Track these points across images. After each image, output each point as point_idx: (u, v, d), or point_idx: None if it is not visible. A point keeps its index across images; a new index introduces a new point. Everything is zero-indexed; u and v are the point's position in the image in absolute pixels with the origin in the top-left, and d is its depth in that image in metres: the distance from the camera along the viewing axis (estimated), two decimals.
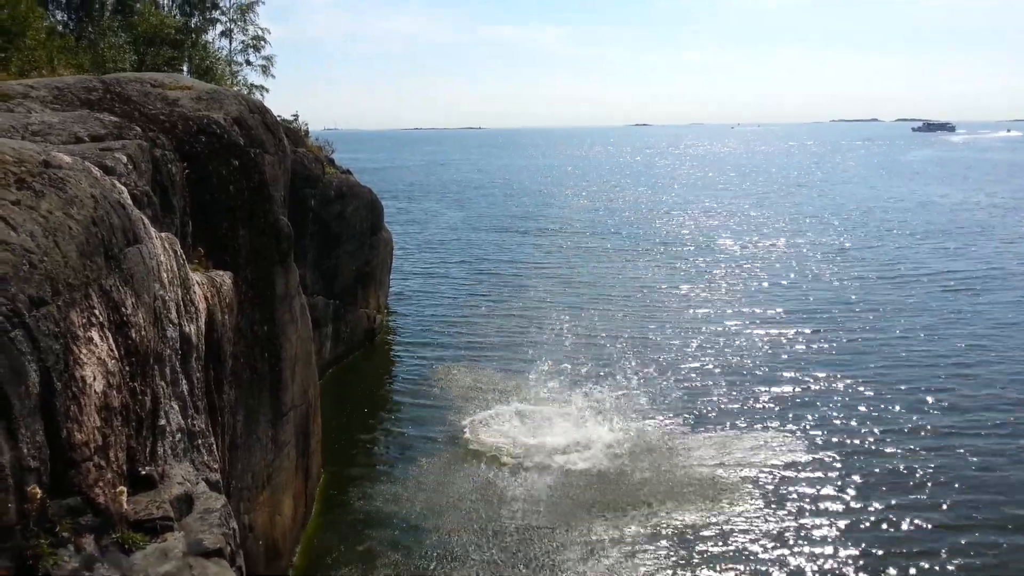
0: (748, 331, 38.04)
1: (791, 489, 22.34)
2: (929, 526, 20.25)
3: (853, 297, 44.02)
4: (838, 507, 21.36)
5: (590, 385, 30.57)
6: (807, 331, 37.48)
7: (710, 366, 32.78)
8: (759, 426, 26.76)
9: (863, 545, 19.42)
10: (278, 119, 21.20)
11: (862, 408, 27.89)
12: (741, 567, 18.62)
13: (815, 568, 18.55)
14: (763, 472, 23.35)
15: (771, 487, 22.45)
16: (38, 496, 5.67)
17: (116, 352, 7.34)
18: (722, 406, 28.48)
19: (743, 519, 20.61)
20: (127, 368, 7.57)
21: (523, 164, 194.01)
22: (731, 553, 19.17)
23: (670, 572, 18.45)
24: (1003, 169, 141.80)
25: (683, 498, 21.71)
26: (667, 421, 27.10)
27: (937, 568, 18.43)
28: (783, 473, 23.32)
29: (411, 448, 25.66)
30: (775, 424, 26.87)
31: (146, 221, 9.38)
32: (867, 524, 20.47)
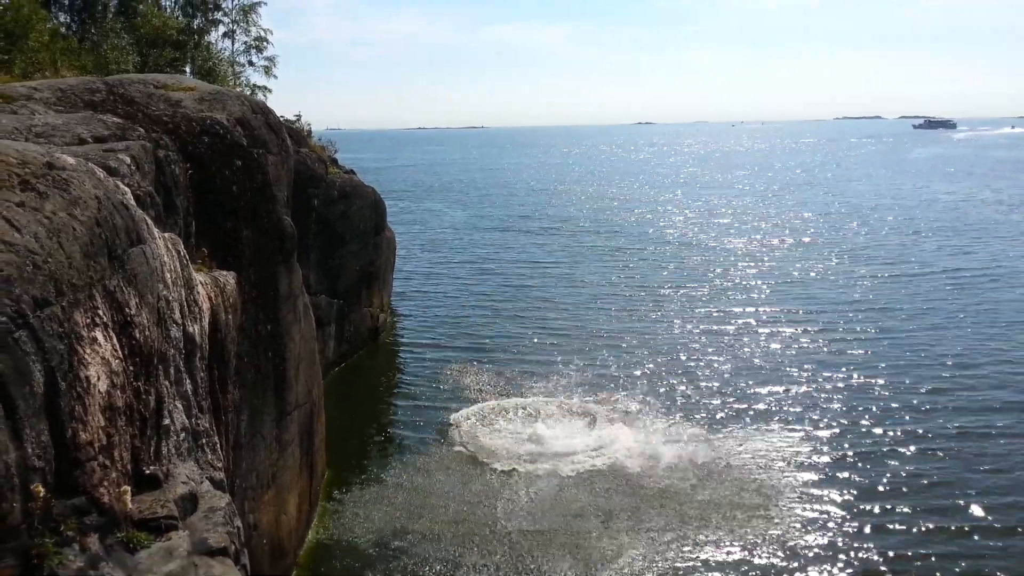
0: (753, 330, 38.00)
1: (792, 491, 22.36)
2: (954, 527, 20.30)
3: (860, 296, 43.91)
4: (845, 504, 21.35)
5: (594, 384, 30.61)
6: (814, 330, 37.38)
7: (715, 366, 32.70)
8: (761, 425, 26.72)
9: (880, 548, 19.42)
10: (281, 119, 21.24)
11: (869, 408, 27.80)
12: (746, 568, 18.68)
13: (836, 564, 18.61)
14: (764, 472, 23.35)
15: (770, 487, 22.45)
16: (43, 495, 5.71)
17: (120, 352, 7.37)
18: (726, 406, 28.40)
19: (749, 535, 20.51)
20: (131, 368, 7.61)
21: (526, 163, 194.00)
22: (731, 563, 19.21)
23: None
24: (1008, 166, 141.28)
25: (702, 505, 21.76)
26: (674, 421, 27.07)
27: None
28: (783, 473, 23.32)
29: (415, 447, 25.69)
30: (776, 422, 26.83)
31: (149, 222, 9.42)
32: (879, 528, 20.40)
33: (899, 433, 25.65)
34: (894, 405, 27.82)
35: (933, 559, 18.72)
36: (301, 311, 19.68)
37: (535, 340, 36.86)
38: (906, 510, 20.97)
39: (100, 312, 7.13)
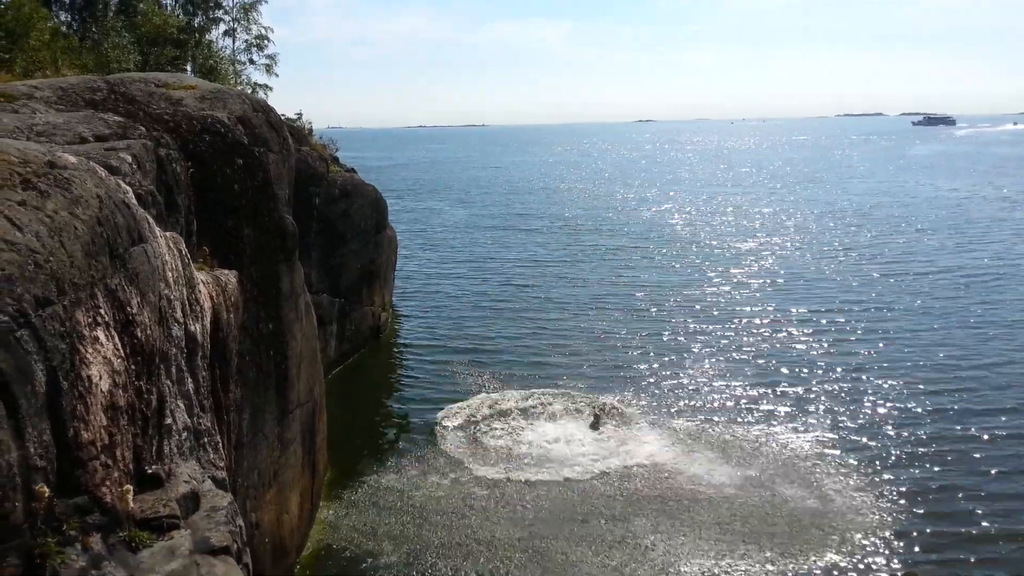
0: (755, 329, 37.97)
1: (798, 491, 22.35)
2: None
3: (863, 294, 43.84)
4: (849, 506, 21.35)
5: (596, 384, 30.61)
6: (815, 329, 37.34)
7: (717, 366, 32.66)
8: (764, 425, 26.75)
9: (895, 554, 19.45)
10: (282, 118, 21.22)
11: (872, 408, 27.82)
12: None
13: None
14: (769, 471, 23.35)
15: (775, 487, 22.46)
16: (45, 495, 5.70)
17: (122, 351, 7.37)
18: (728, 406, 28.41)
19: (758, 540, 20.47)
20: (133, 367, 7.60)
21: (527, 161, 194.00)
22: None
23: None
24: (1011, 162, 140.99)
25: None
26: (676, 421, 27.05)
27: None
28: (787, 472, 23.33)
29: (416, 446, 25.69)
30: (779, 421, 26.87)
31: (151, 220, 9.41)
32: (895, 533, 20.38)
33: (904, 434, 25.57)
34: (898, 406, 27.72)
35: (944, 564, 18.70)
36: (303, 310, 19.67)
37: (536, 339, 36.85)
38: (919, 515, 20.76)
39: (102, 311, 7.12)
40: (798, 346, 34.87)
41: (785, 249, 58.91)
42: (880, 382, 29.92)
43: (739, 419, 27.03)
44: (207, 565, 7.00)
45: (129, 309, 7.70)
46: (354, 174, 37.63)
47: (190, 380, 9.61)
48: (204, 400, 10.17)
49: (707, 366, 32.50)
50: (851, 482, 22.51)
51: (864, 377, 30.58)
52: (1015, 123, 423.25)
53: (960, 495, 21.67)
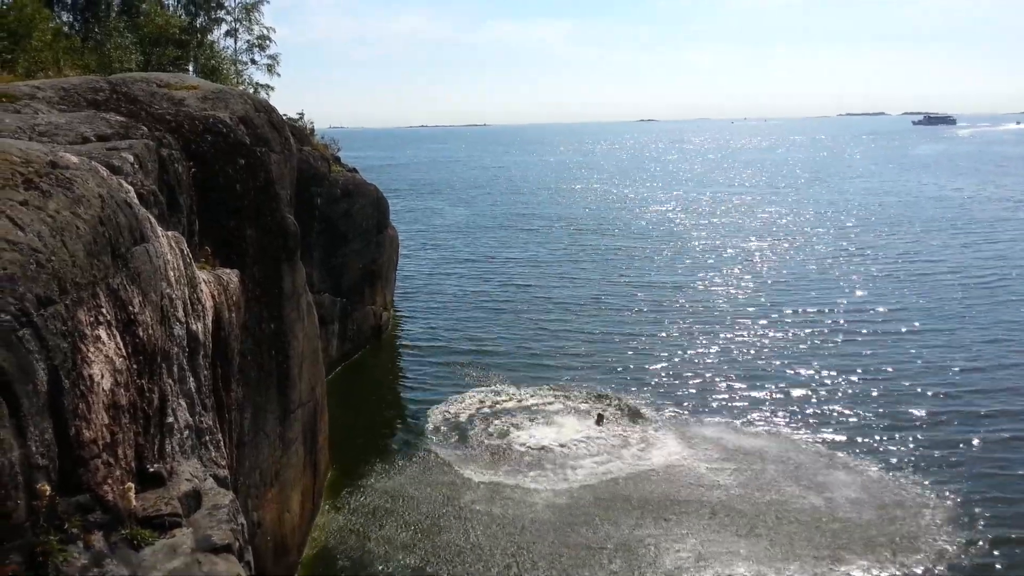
0: (758, 329, 37.93)
1: (804, 490, 22.36)
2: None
3: (868, 293, 43.82)
4: (853, 504, 21.38)
5: (598, 382, 30.62)
6: (818, 329, 37.30)
7: (719, 365, 32.65)
8: (764, 423, 26.79)
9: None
10: (283, 118, 21.24)
11: (876, 408, 27.81)
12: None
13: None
14: (774, 471, 23.37)
15: (781, 487, 22.47)
16: (47, 493, 5.72)
17: (124, 350, 7.39)
18: (732, 405, 28.41)
19: (768, 543, 20.51)
20: (135, 366, 7.63)
21: (528, 161, 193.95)
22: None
23: None
24: (1014, 162, 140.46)
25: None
26: (678, 420, 27.09)
27: None
28: (794, 470, 23.34)
29: (418, 445, 25.71)
30: (782, 419, 26.89)
31: (153, 220, 9.43)
32: (909, 535, 20.46)
33: (909, 436, 25.55)
34: (901, 406, 27.68)
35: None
36: (304, 309, 19.71)
37: (537, 339, 36.87)
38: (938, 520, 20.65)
39: (103, 310, 7.15)
40: (801, 346, 34.84)
41: (788, 249, 58.87)
42: (881, 381, 29.93)
43: (742, 419, 27.04)
44: (209, 563, 7.02)
45: (131, 308, 7.72)
46: (356, 174, 37.66)
47: (192, 379, 9.64)
48: (206, 399, 10.20)
49: (709, 366, 32.50)
50: (853, 479, 22.54)
51: (865, 375, 30.58)
52: (1018, 122, 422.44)
53: (975, 497, 21.57)
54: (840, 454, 24.22)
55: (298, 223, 19.24)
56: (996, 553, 18.91)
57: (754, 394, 29.22)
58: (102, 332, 7.01)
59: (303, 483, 19.47)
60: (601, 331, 37.79)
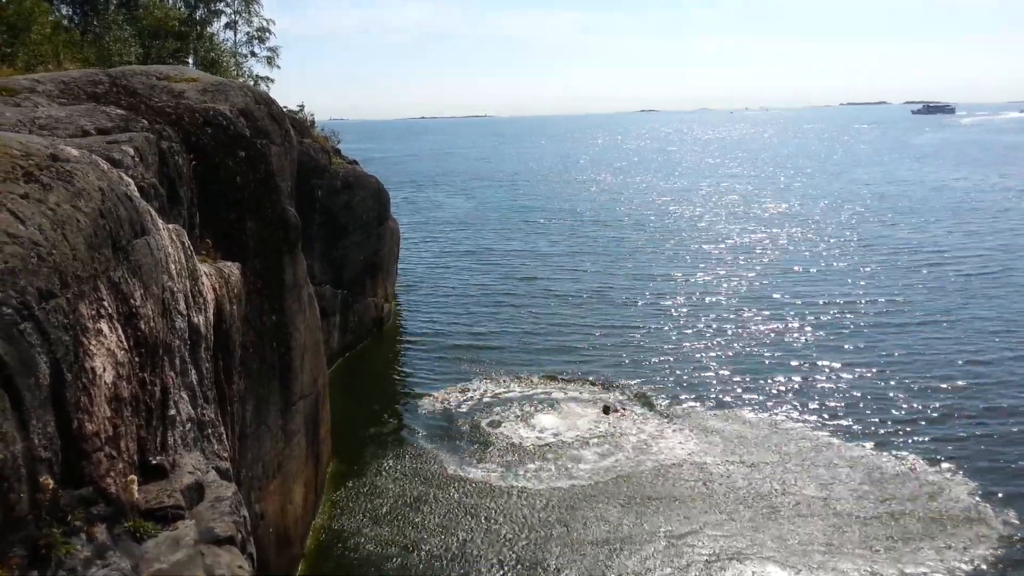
0: (761, 319, 37.97)
1: (810, 489, 22.40)
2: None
3: (872, 283, 43.79)
4: (857, 497, 21.43)
5: (599, 374, 30.64)
6: (823, 320, 37.33)
7: (723, 357, 32.67)
8: (768, 412, 26.82)
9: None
10: (283, 110, 21.21)
11: (877, 399, 27.84)
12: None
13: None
14: (779, 467, 23.41)
15: (786, 481, 22.51)
16: (50, 486, 5.73)
17: (125, 343, 7.40)
18: (736, 397, 28.48)
19: (775, 539, 20.57)
20: (136, 359, 7.63)
21: (531, 152, 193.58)
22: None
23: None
24: (1019, 151, 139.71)
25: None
26: (681, 413, 27.11)
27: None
28: (798, 467, 23.38)
29: (419, 437, 25.77)
30: (785, 413, 26.91)
31: (153, 213, 9.43)
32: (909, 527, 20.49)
33: (914, 425, 25.60)
34: (902, 397, 27.74)
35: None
36: (306, 301, 19.72)
37: (539, 331, 36.89)
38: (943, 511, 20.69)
39: (105, 303, 7.15)
40: (804, 336, 34.88)
41: (790, 240, 58.80)
42: (884, 372, 29.96)
43: (746, 409, 27.09)
44: (212, 555, 7.04)
45: (132, 301, 7.73)
46: (356, 166, 37.64)
47: (193, 371, 9.65)
48: (208, 391, 10.21)
49: (713, 357, 32.52)
50: (860, 470, 22.59)
51: (870, 366, 30.60)
52: (1021, 110, 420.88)
53: (976, 495, 21.52)
54: (848, 445, 24.29)
55: (299, 215, 19.24)
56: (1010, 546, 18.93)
57: (758, 385, 29.27)
58: (104, 325, 7.01)
59: (305, 475, 19.52)
60: (603, 323, 37.80)
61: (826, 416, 26.24)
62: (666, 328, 36.69)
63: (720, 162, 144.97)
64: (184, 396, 9.07)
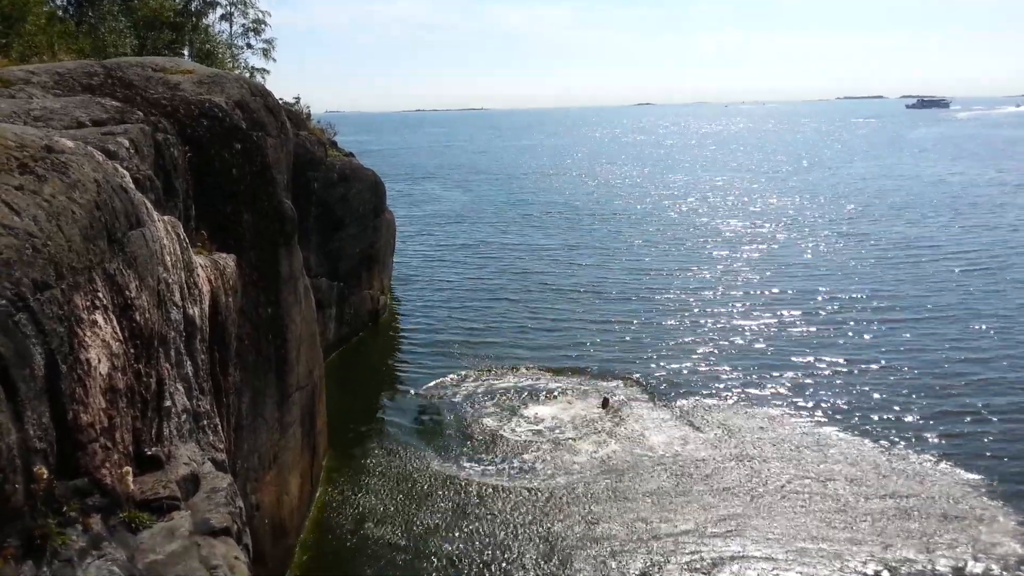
0: (757, 313, 38.04)
1: (812, 484, 22.49)
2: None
3: (869, 277, 43.78)
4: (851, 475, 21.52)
5: (593, 367, 30.69)
6: (820, 313, 37.34)
7: (720, 350, 32.69)
8: (767, 406, 26.89)
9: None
10: (280, 102, 21.17)
11: (875, 392, 27.90)
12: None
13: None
14: (781, 460, 23.49)
15: (789, 474, 22.60)
16: (44, 476, 5.75)
17: (120, 334, 7.41)
18: (732, 389, 28.52)
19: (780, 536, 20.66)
20: (132, 350, 7.65)
21: (527, 145, 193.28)
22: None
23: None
24: (1016, 146, 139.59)
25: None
26: (680, 406, 27.13)
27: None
28: (802, 461, 23.46)
29: (415, 429, 25.82)
30: (786, 407, 26.95)
31: (149, 205, 9.43)
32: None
33: (914, 418, 25.64)
34: (900, 391, 27.74)
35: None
36: (302, 293, 19.73)
37: (535, 324, 36.92)
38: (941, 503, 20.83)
39: (100, 295, 7.16)
40: (800, 330, 34.93)
41: (786, 234, 58.83)
42: (881, 366, 30.00)
43: (745, 402, 27.08)
44: (207, 546, 7.07)
45: (127, 293, 7.74)
46: (352, 158, 37.58)
47: (189, 363, 9.66)
48: (203, 383, 10.23)
49: (710, 350, 32.54)
50: (857, 462, 22.67)
51: (865, 360, 30.64)
52: (1017, 105, 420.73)
53: (979, 487, 21.50)
54: (844, 436, 24.37)
55: (295, 207, 19.23)
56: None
57: (756, 378, 29.28)
58: (99, 316, 7.02)
59: (301, 466, 19.56)
60: (600, 316, 37.81)
61: (823, 410, 26.27)
62: (664, 321, 36.71)
63: (717, 156, 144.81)
64: (179, 388, 9.08)
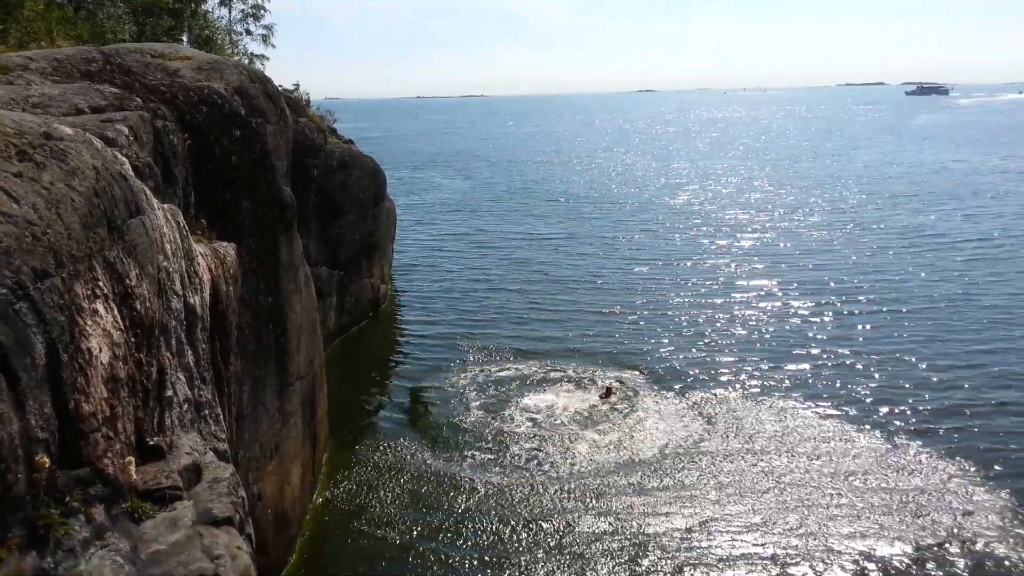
0: (759, 304, 38.02)
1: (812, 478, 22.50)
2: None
3: (873, 267, 43.67)
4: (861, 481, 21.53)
5: (594, 357, 30.67)
6: (822, 303, 37.24)
7: (722, 340, 32.58)
8: (768, 397, 26.88)
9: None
10: (279, 89, 21.06)
11: (879, 383, 27.81)
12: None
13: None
14: (783, 454, 23.49)
15: (792, 467, 22.60)
16: (46, 466, 5.71)
17: (121, 323, 7.35)
18: (734, 380, 28.47)
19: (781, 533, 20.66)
20: (132, 339, 7.60)
21: (527, 132, 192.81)
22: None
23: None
24: (1018, 133, 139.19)
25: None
26: (680, 399, 27.08)
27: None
28: (804, 455, 23.47)
29: (416, 418, 25.84)
30: (788, 399, 26.88)
31: (148, 192, 9.36)
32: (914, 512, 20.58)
33: (914, 406, 25.60)
34: (906, 381, 27.67)
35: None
36: (302, 281, 19.68)
37: (535, 313, 36.88)
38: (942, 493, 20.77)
39: (100, 283, 7.10)
40: (802, 320, 34.89)
41: (789, 222, 58.75)
42: (883, 355, 29.97)
43: (749, 393, 27.01)
44: (210, 535, 7.04)
45: (128, 281, 7.68)
46: (352, 145, 37.45)
47: (190, 352, 9.62)
48: (204, 372, 10.19)
49: (712, 340, 32.47)
50: (858, 451, 22.68)
51: (868, 350, 30.62)
52: (1020, 92, 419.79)
53: (986, 476, 21.47)
54: (845, 426, 24.33)
55: (294, 195, 19.15)
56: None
57: (760, 369, 29.19)
58: (99, 305, 6.97)
59: (303, 456, 19.56)
60: (601, 306, 37.77)
61: (826, 401, 26.14)
62: (666, 311, 36.68)
63: (720, 143, 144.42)
64: (181, 377, 9.04)
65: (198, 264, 10.95)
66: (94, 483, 6.40)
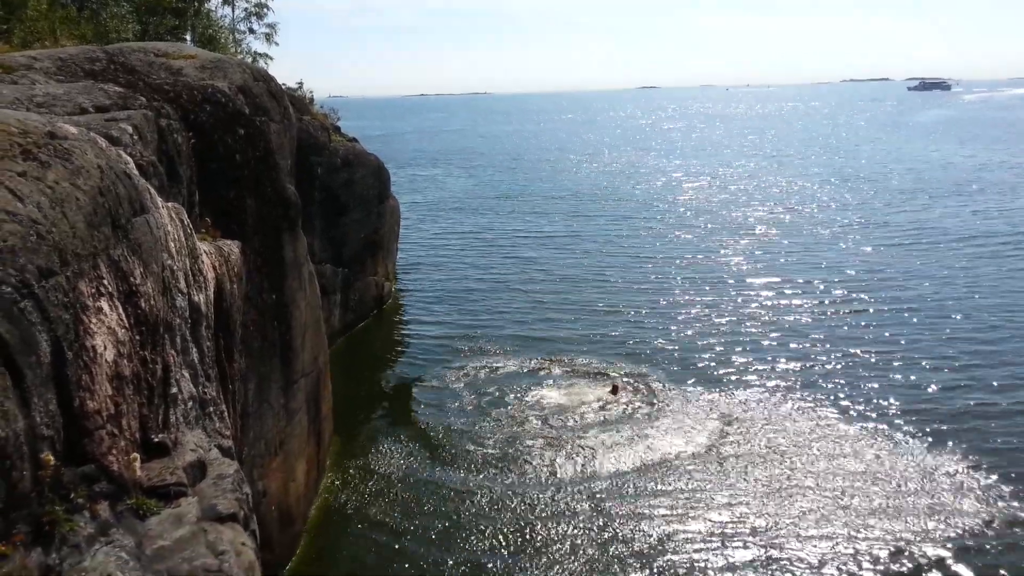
0: (764, 300, 37.94)
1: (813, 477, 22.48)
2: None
3: (879, 263, 43.54)
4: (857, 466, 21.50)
5: (598, 353, 30.66)
6: (826, 300, 37.22)
7: (725, 337, 32.50)
8: (774, 395, 26.84)
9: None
10: (282, 87, 21.08)
11: (884, 380, 27.72)
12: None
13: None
14: (781, 451, 23.47)
15: (794, 464, 22.59)
16: (51, 463, 5.75)
17: (126, 321, 7.39)
18: (739, 377, 28.39)
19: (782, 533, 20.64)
20: (137, 337, 7.63)
21: (531, 130, 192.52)
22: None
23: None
24: (1018, 128, 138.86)
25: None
26: (681, 395, 27.04)
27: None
28: (805, 452, 23.45)
29: (421, 415, 25.84)
30: (790, 392, 26.91)
31: (152, 191, 9.40)
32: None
33: (924, 408, 25.43)
34: (909, 377, 27.63)
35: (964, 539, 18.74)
36: (306, 279, 19.70)
37: (539, 310, 36.86)
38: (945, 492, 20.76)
39: (105, 281, 7.14)
40: (809, 316, 34.81)
41: (794, 219, 58.60)
42: (890, 351, 29.90)
43: (754, 391, 26.93)
44: (214, 532, 7.08)
45: (132, 280, 7.72)
46: (356, 143, 37.47)
47: (194, 350, 9.66)
48: (209, 370, 10.23)
49: (719, 338, 32.36)
50: (864, 449, 22.63)
51: (876, 346, 30.54)
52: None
53: (983, 474, 21.44)
54: (853, 426, 24.21)
55: (298, 193, 19.18)
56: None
57: (765, 367, 29.10)
58: (104, 303, 7.01)
59: (307, 452, 19.60)
60: (606, 303, 37.74)
61: (838, 400, 26.00)
62: (671, 309, 36.60)
63: (724, 140, 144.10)
64: (185, 374, 9.08)
65: (202, 262, 10.99)
66: (99, 480, 6.44)
